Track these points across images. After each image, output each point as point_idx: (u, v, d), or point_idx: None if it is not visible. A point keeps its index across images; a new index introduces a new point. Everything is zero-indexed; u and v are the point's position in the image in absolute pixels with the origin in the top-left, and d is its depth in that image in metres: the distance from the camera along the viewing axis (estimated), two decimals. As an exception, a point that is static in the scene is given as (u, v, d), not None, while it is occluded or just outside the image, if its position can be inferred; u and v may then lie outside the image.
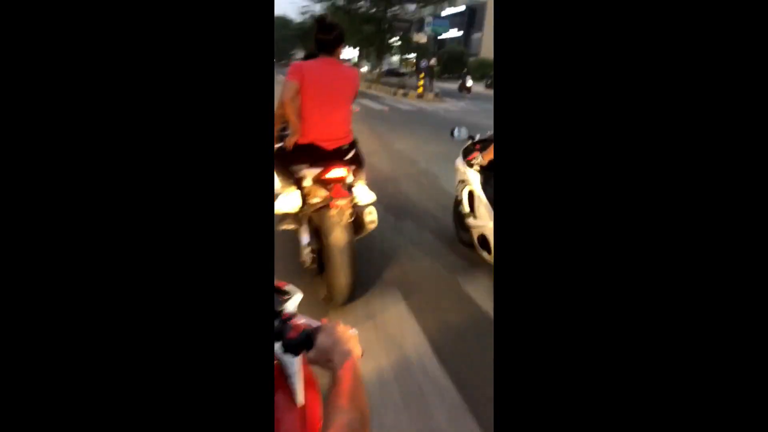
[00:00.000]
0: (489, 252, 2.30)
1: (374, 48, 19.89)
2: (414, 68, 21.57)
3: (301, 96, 1.86)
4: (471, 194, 2.48)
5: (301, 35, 28.99)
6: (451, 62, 27.12)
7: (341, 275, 1.86)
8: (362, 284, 2.10)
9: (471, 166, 2.47)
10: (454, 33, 30.22)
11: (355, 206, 1.94)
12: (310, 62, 1.91)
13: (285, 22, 38.76)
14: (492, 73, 15.80)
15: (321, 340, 0.59)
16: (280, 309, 0.65)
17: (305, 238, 2.05)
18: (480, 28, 31.78)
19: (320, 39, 1.89)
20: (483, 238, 2.34)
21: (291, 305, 0.70)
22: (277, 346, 0.63)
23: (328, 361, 0.57)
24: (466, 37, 33.42)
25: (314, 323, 0.64)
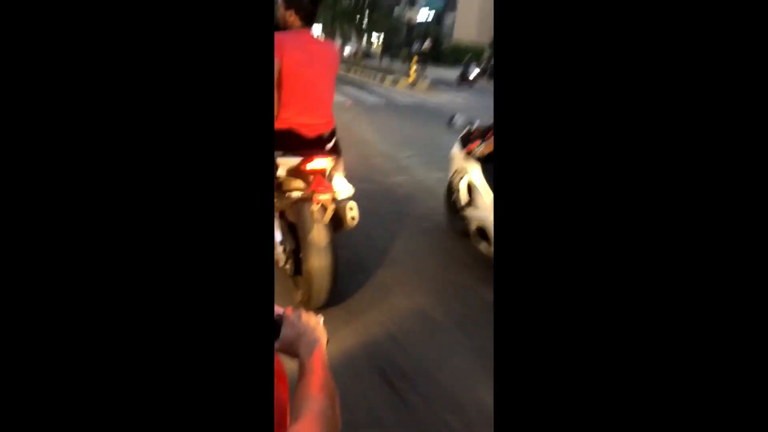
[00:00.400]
0: (489, 243, 2.18)
1: (353, 25, 18.65)
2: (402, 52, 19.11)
3: (280, 76, 1.61)
4: (469, 185, 2.35)
5: None
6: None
7: (321, 277, 1.68)
8: (342, 285, 1.93)
9: (470, 155, 2.34)
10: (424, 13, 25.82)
11: (334, 201, 1.75)
12: (288, 35, 1.64)
13: None
14: (465, 59, 13.93)
15: (286, 329, 0.58)
16: None
17: (278, 235, 1.85)
18: (453, 8, 27.09)
19: (304, 4, 1.62)
20: (482, 230, 2.23)
21: None
22: None
23: (295, 350, 0.57)
24: (438, 19, 28.05)
25: (278, 310, 0.62)
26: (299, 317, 0.60)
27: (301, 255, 1.71)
